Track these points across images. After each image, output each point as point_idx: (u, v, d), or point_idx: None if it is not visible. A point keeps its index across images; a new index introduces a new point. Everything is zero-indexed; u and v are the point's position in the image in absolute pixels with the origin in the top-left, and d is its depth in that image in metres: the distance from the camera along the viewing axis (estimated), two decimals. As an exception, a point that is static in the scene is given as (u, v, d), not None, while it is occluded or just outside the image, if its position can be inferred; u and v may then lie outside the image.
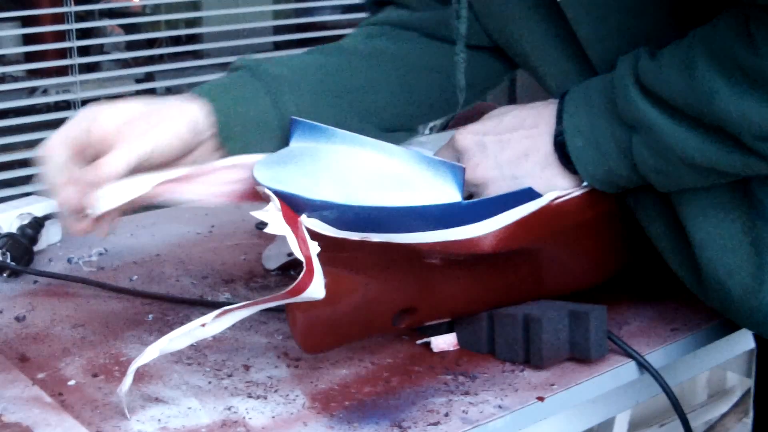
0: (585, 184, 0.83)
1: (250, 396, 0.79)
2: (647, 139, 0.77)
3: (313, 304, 0.77)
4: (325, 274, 0.74)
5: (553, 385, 0.81)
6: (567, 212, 0.83)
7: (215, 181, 0.82)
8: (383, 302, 0.81)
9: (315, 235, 0.75)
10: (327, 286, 0.76)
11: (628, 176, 0.80)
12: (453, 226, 0.76)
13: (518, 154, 0.84)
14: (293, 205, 0.75)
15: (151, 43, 2.52)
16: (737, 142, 0.73)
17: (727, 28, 0.72)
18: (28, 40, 2.27)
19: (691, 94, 0.73)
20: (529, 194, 0.79)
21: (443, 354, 0.86)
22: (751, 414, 1.20)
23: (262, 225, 1.24)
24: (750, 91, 0.70)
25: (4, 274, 1.06)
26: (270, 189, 0.76)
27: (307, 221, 0.75)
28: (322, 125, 0.83)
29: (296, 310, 0.77)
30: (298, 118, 0.84)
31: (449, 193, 0.77)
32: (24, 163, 2.19)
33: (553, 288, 0.88)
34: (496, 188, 0.85)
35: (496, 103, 1.05)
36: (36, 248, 1.11)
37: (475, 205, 0.78)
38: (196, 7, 2.65)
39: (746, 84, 0.70)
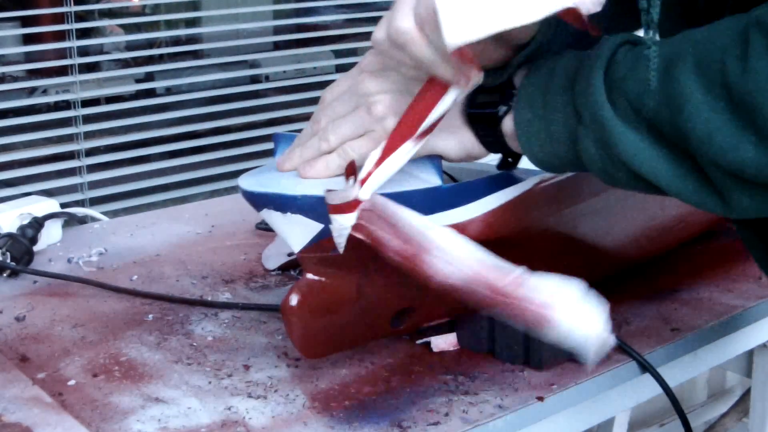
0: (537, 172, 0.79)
1: (250, 396, 0.79)
2: (596, 136, 0.67)
3: (309, 312, 0.77)
4: (319, 276, 0.75)
5: (553, 385, 0.81)
6: (553, 198, 0.83)
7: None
8: (380, 304, 0.81)
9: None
10: (321, 293, 0.77)
11: (572, 164, 0.72)
12: (436, 212, 0.76)
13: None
14: (277, 205, 0.76)
15: (151, 43, 2.52)
16: (694, 164, 0.64)
17: (723, 34, 0.62)
18: (28, 40, 2.27)
19: (661, 96, 0.64)
20: (511, 178, 0.79)
21: (443, 354, 0.86)
22: (751, 414, 1.20)
23: (261, 225, 1.24)
24: (725, 110, 0.61)
25: (4, 274, 1.06)
26: (255, 192, 0.76)
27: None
28: None
29: (293, 317, 0.77)
30: (280, 133, 0.84)
31: (428, 180, 0.77)
32: (24, 163, 2.19)
33: None
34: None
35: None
36: (36, 248, 1.11)
37: (455, 189, 0.79)
38: (196, 7, 2.65)
39: (724, 101, 0.61)
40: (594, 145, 0.68)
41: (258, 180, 0.79)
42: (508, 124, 0.73)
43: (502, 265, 0.67)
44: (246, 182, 0.79)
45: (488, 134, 0.75)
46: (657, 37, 0.66)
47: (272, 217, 0.77)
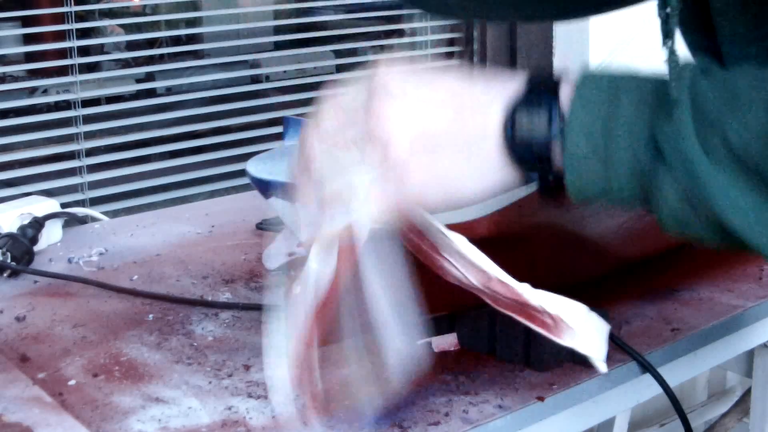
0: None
1: (250, 396, 0.79)
2: (685, 185, 0.56)
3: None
4: None
5: (553, 385, 0.81)
6: (560, 197, 0.83)
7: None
8: None
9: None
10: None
11: (626, 203, 0.59)
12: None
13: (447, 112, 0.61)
14: (286, 194, 0.75)
15: (151, 43, 2.52)
16: None
17: None
18: (28, 40, 2.27)
19: (758, 133, 0.53)
20: None
21: (443, 354, 0.86)
22: (751, 414, 1.20)
23: (262, 225, 1.24)
24: None
25: (5, 274, 1.06)
26: (263, 179, 0.76)
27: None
28: None
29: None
30: (290, 116, 0.84)
31: None
32: (24, 163, 2.19)
33: (551, 279, 0.88)
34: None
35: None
36: (36, 248, 1.12)
37: None
38: (196, 7, 2.65)
39: None
40: (677, 194, 0.56)
41: (267, 167, 0.78)
42: (555, 153, 0.60)
43: (509, 281, 0.67)
44: (255, 168, 0.78)
45: (536, 169, 0.62)
46: (677, 48, 0.57)
47: (279, 205, 0.76)
